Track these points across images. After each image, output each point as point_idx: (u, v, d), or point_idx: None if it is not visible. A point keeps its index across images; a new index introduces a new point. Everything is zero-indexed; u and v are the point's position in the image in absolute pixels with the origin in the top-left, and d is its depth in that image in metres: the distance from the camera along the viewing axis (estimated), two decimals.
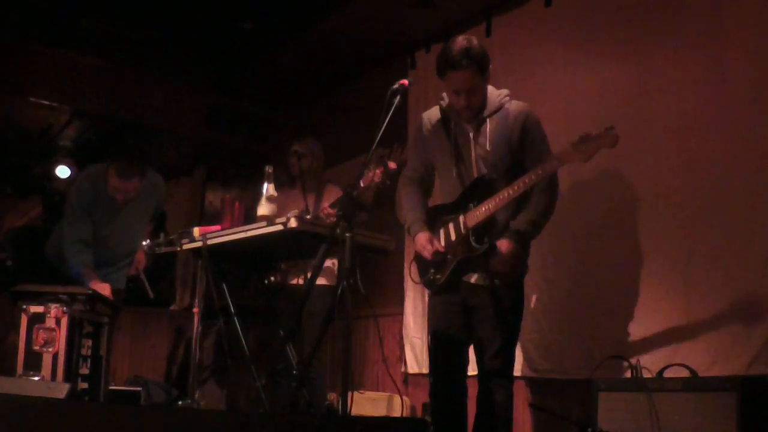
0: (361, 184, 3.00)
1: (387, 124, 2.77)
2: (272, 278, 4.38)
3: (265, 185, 3.50)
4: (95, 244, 4.05)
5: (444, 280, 3.11)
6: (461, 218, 3.07)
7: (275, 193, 3.51)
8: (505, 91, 3.15)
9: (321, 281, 4.23)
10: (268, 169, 3.53)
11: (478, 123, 3.11)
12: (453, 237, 3.10)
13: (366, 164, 2.93)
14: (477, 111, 3.09)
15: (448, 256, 3.10)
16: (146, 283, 4.38)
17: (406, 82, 2.83)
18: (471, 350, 3.21)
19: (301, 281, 4.33)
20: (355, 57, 5.65)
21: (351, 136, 5.48)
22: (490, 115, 3.10)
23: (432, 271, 3.17)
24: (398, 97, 2.79)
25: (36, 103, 5.94)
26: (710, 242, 3.41)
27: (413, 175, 3.33)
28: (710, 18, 3.56)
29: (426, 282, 3.23)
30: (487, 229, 3.02)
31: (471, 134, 3.11)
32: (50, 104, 6.00)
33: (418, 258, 3.24)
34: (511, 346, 3.12)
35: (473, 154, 3.10)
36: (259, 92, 6.39)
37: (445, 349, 3.16)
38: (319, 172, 4.59)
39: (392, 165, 3.09)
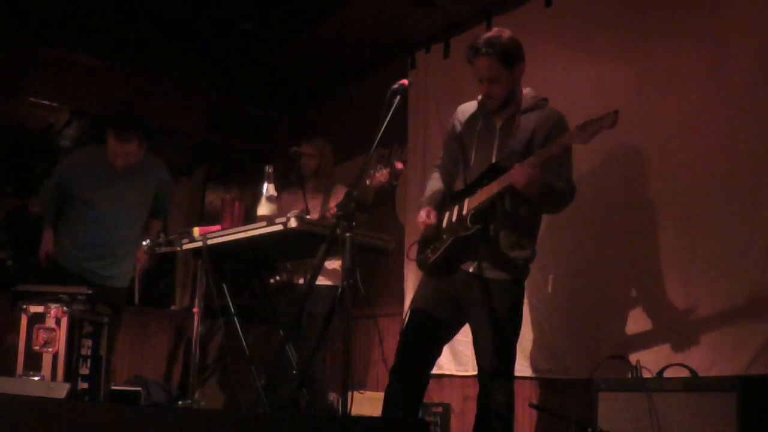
0: (368, 183, 2.99)
1: (387, 124, 2.77)
2: (278, 277, 4.38)
3: (265, 185, 3.49)
4: (94, 224, 4.05)
5: (435, 258, 3.10)
6: (466, 200, 3.08)
7: (275, 193, 3.51)
8: (543, 96, 3.16)
9: (327, 282, 4.23)
10: (268, 169, 3.52)
11: (509, 118, 3.11)
12: (454, 218, 3.11)
13: (366, 164, 2.92)
14: (502, 104, 3.10)
15: (444, 236, 3.11)
16: (137, 288, 4.26)
17: (406, 82, 2.82)
18: (471, 348, 3.19)
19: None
20: (355, 57, 5.65)
21: (351, 136, 5.48)
22: (522, 113, 3.10)
23: (428, 250, 3.17)
24: (398, 97, 2.79)
25: (36, 103, 5.92)
26: (710, 242, 3.41)
27: (440, 163, 3.42)
28: (710, 18, 3.56)
29: (420, 261, 3.22)
30: (487, 212, 3.02)
31: (498, 126, 3.13)
32: (50, 104, 5.99)
33: (421, 240, 3.25)
34: (511, 346, 3.09)
35: (495, 149, 3.10)
36: (259, 92, 6.39)
37: (418, 337, 3.12)
38: (328, 172, 4.59)
39: (399, 165, 3.08)
